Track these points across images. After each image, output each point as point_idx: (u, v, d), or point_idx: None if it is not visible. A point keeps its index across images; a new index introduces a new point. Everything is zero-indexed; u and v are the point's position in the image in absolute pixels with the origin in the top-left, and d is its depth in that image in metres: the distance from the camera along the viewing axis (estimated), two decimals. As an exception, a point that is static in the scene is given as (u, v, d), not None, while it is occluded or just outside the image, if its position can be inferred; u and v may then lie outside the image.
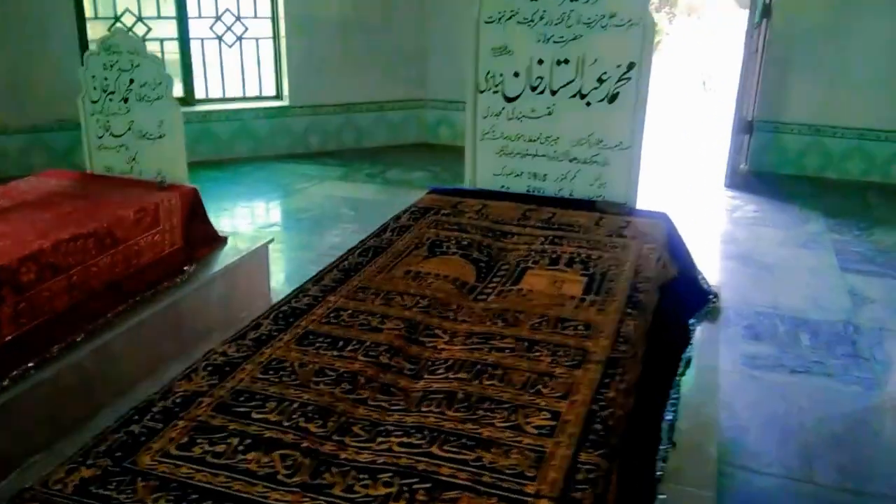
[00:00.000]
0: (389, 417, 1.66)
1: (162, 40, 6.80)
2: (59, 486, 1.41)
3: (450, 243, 2.72)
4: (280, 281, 4.29)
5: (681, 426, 2.33)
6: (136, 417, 1.62)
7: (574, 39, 3.11)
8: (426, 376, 1.84)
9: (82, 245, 2.91)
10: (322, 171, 6.88)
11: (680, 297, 2.86)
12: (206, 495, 1.38)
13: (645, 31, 3.00)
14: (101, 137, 3.75)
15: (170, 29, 6.87)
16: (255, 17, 7.21)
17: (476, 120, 3.38)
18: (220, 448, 1.52)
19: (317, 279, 2.40)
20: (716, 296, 3.19)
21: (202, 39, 7.01)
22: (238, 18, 7.11)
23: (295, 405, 1.68)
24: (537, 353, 1.93)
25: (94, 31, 6.43)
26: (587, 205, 3.18)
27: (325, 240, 5.08)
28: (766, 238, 5.29)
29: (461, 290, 2.36)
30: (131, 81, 3.64)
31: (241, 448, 1.52)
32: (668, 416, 2.30)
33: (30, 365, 2.61)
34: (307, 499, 1.38)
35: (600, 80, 3.11)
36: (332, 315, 2.14)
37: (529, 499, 1.38)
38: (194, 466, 1.46)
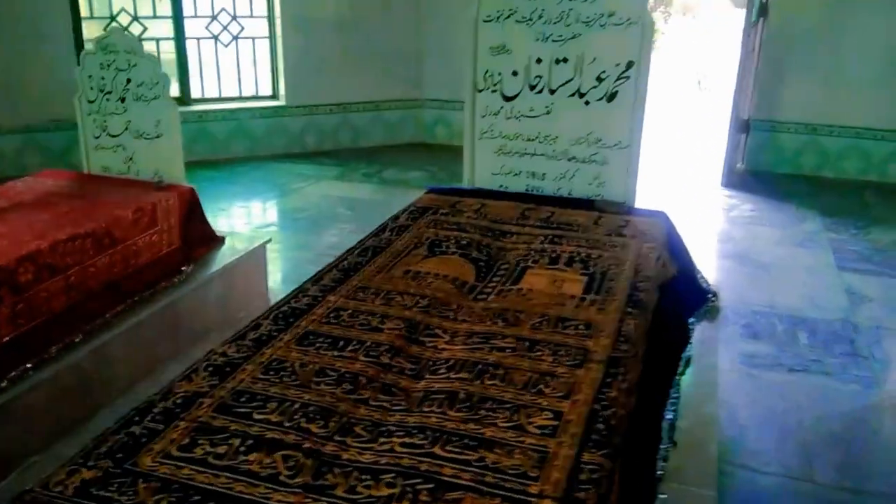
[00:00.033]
0: (391, 418, 1.65)
1: (158, 40, 6.78)
2: (60, 488, 1.40)
3: (449, 243, 2.72)
4: (278, 281, 4.28)
5: (681, 425, 2.32)
6: (137, 418, 1.62)
7: (573, 38, 3.11)
8: (427, 376, 1.83)
9: (80, 245, 2.90)
10: (319, 171, 6.87)
11: (679, 296, 2.86)
12: (208, 497, 1.38)
13: (644, 29, 2.99)
14: (97, 137, 3.74)
15: (166, 28, 6.85)
16: (252, 16, 7.19)
17: (474, 119, 3.38)
18: (221, 449, 1.51)
19: (316, 279, 2.39)
20: (715, 295, 3.18)
21: (198, 39, 6.99)
22: (234, 18, 7.09)
23: (296, 405, 1.67)
24: (538, 353, 1.92)
25: (90, 31, 6.41)
26: (586, 204, 3.18)
27: (322, 240, 5.07)
28: (762, 237, 5.29)
29: (461, 289, 2.35)
30: (128, 81, 3.62)
31: (242, 449, 1.51)
32: (669, 415, 2.30)
33: (28, 366, 2.60)
34: (309, 499, 1.38)
35: (599, 79, 3.11)
36: (331, 315, 2.13)
37: (533, 499, 1.38)
38: (196, 467, 1.46)
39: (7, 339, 2.58)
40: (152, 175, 3.67)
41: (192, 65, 7.00)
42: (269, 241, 3.99)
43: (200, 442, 1.54)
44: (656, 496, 1.92)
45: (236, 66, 7.21)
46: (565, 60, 3.15)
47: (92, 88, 3.69)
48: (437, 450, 1.52)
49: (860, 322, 3.93)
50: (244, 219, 5.64)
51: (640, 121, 3.10)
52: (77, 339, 2.81)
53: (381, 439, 1.56)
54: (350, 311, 2.15)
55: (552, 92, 3.21)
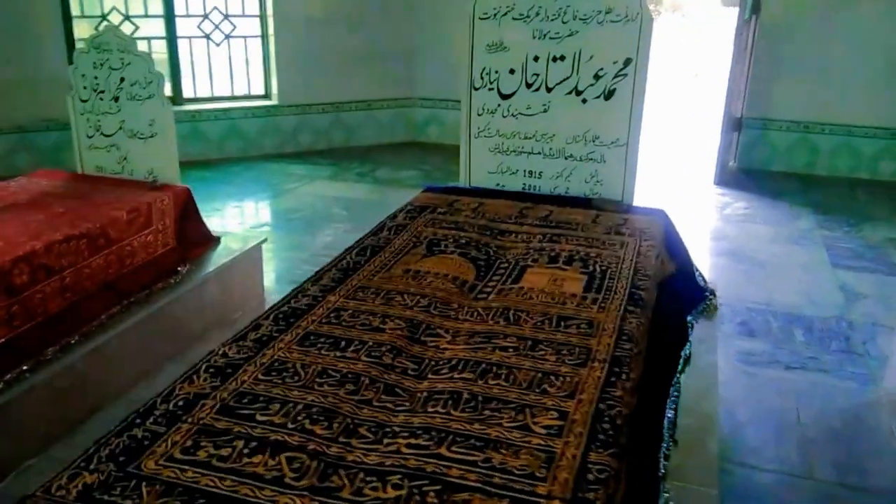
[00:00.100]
0: (395, 418, 1.64)
1: (149, 39, 6.74)
2: (62, 493, 1.38)
3: (448, 242, 2.71)
4: (273, 281, 4.27)
5: (682, 423, 2.32)
6: (139, 421, 1.60)
7: (570, 35, 3.10)
8: (430, 376, 1.82)
9: (75, 246, 2.88)
10: (312, 171, 6.85)
11: (678, 294, 2.85)
12: (213, 500, 1.36)
13: (642, 26, 2.99)
14: (91, 137, 3.71)
15: (157, 27, 6.82)
16: (244, 15, 7.17)
17: (471, 117, 3.36)
18: (225, 451, 1.50)
19: (315, 279, 2.38)
20: (713, 292, 3.18)
21: (190, 38, 6.96)
22: (226, 17, 7.06)
23: (299, 407, 1.66)
24: (541, 352, 1.92)
25: (81, 30, 6.37)
26: (584, 202, 3.17)
27: (317, 239, 5.05)
28: (756, 235, 5.31)
29: (461, 288, 2.34)
30: (122, 80, 3.60)
31: (246, 451, 1.50)
32: (669, 414, 2.29)
33: (24, 368, 2.57)
34: (316, 502, 1.36)
35: (596, 77, 3.10)
36: (332, 315, 2.12)
37: (541, 500, 1.37)
38: (200, 470, 1.44)
39: (2, 340, 2.56)
40: (146, 175, 3.64)
41: (184, 64, 6.98)
42: (265, 240, 3.97)
43: (203, 444, 1.52)
44: (660, 495, 1.92)
45: (228, 65, 7.18)
46: (562, 58, 3.14)
47: (85, 88, 3.66)
48: (442, 450, 1.50)
49: (855, 319, 3.94)
50: (238, 219, 5.61)
51: (638, 118, 3.10)
52: (73, 341, 2.79)
53: (386, 440, 1.55)
54: (350, 311, 2.14)
55: (549, 90, 3.20)
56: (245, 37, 7.21)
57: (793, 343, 3.66)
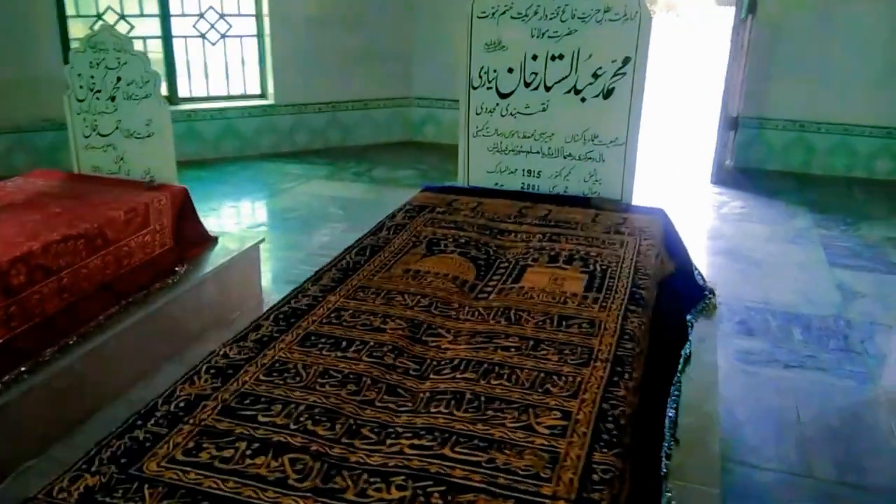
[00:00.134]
0: (398, 419, 1.63)
1: (145, 38, 6.71)
2: (64, 495, 1.37)
3: (447, 241, 2.70)
4: (270, 281, 4.25)
5: (682, 423, 2.32)
6: (140, 422, 1.59)
7: (569, 34, 3.09)
8: (432, 376, 1.82)
9: (73, 246, 2.86)
10: (308, 170, 6.83)
11: (677, 293, 2.85)
12: (216, 502, 1.35)
13: (640, 25, 2.98)
14: (87, 137, 3.69)
15: (153, 27, 6.79)
16: (239, 14, 7.14)
17: (469, 116, 3.36)
18: (227, 453, 1.49)
19: (315, 279, 2.37)
20: (712, 292, 3.18)
21: (185, 37, 6.93)
22: (222, 16, 7.04)
23: (301, 408, 1.65)
24: (543, 352, 1.91)
25: (75, 30, 6.35)
26: (583, 201, 3.17)
27: (314, 239, 5.04)
28: (753, 234, 5.31)
29: (461, 288, 2.34)
30: (118, 79, 3.58)
31: (249, 452, 1.49)
32: (670, 413, 2.29)
33: (22, 369, 2.56)
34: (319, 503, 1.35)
35: (595, 76, 3.10)
36: (332, 315, 2.11)
37: (546, 500, 1.36)
38: (202, 472, 1.43)
39: (0, 342, 2.54)
40: (143, 175, 3.63)
41: (180, 64, 6.95)
42: (263, 240, 3.96)
43: (206, 446, 1.51)
44: (662, 494, 1.91)
45: (224, 64, 7.16)
46: (561, 57, 3.13)
47: (81, 87, 3.64)
48: (446, 451, 1.50)
49: (853, 318, 3.94)
50: (234, 219, 5.59)
51: (637, 117, 3.10)
52: (71, 342, 2.77)
53: (389, 441, 1.54)
54: (351, 312, 2.13)
55: (548, 89, 3.19)
56: (241, 36, 7.18)
57: (791, 342, 3.66)
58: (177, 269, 3.39)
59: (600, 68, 3.09)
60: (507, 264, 2.53)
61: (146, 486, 1.39)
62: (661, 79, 12.87)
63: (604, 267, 2.49)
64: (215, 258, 3.60)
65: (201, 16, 6.95)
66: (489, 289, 2.35)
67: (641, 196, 3.37)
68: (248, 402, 1.67)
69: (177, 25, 6.87)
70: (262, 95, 7.36)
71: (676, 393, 2.40)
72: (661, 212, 3.09)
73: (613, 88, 3.09)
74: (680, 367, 2.54)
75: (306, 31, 7.14)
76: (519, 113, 3.27)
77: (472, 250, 2.63)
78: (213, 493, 1.37)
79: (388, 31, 7.46)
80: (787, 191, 6.33)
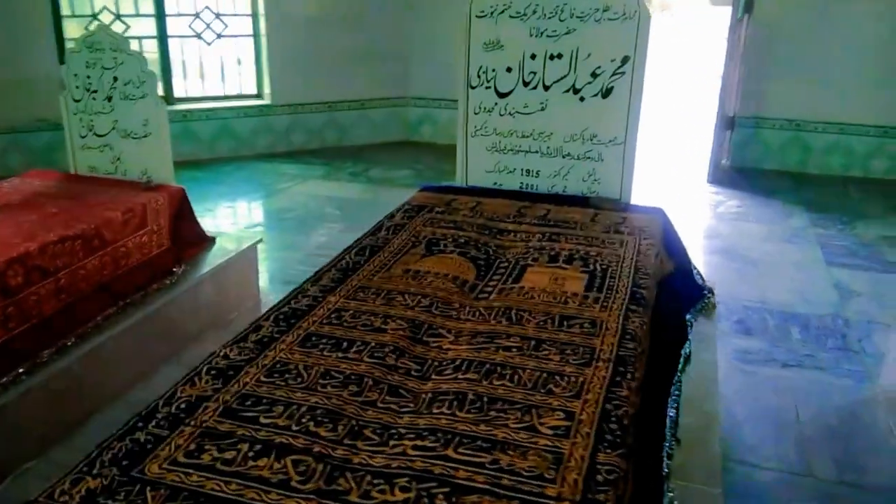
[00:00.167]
0: (400, 420, 1.62)
1: (140, 38, 6.69)
2: (65, 498, 1.36)
3: (447, 241, 2.69)
4: (267, 281, 4.24)
5: (683, 422, 2.31)
6: (141, 424, 1.58)
7: (567, 33, 3.09)
8: (434, 377, 1.81)
9: (70, 247, 2.84)
10: (305, 170, 6.82)
11: (676, 293, 2.85)
12: (219, 504, 1.34)
13: (639, 24, 2.98)
14: (84, 137, 3.68)
15: (148, 27, 6.77)
16: (235, 14, 7.13)
17: (468, 116, 3.35)
18: (229, 455, 1.48)
19: (315, 279, 2.36)
20: (711, 291, 3.18)
21: (181, 37, 6.91)
22: (217, 16, 7.02)
23: (303, 409, 1.64)
24: (545, 352, 1.91)
25: (71, 30, 6.33)
26: (582, 201, 3.16)
27: (311, 239, 5.03)
28: (750, 233, 5.31)
29: (462, 288, 2.33)
30: (115, 79, 3.57)
31: (251, 454, 1.48)
32: (671, 413, 2.28)
33: (20, 370, 2.54)
34: (323, 505, 1.35)
35: (594, 75, 3.09)
36: (333, 316, 2.10)
37: (551, 502, 1.36)
38: (204, 474, 1.42)
39: (-2, 343, 2.53)
40: (140, 175, 3.61)
41: (176, 64, 6.93)
42: (261, 241, 3.94)
43: (207, 448, 1.50)
44: (664, 495, 1.91)
45: (220, 64, 7.14)
46: (560, 56, 3.13)
47: (78, 87, 3.62)
48: (449, 452, 1.49)
49: (850, 317, 3.95)
50: (230, 219, 5.58)
51: (636, 117, 3.09)
52: (69, 343, 2.76)
53: (392, 442, 1.54)
54: (351, 312, 2.12)
55: (546, 88, 3.19)
56: (237, 36, 7.16)
57: (789, 341, 3.66)
58: (174, 269, 3.38)
59: (599, 67, 3.08)
60: (506, 264, 2.53)
61: (148, 488, 1.38)
62: (657, 78, 12.89)
63: (604, 266, 2.48)
64: (213, 259, 3.59)
65: (197, 16, 6.94)
66: (489, 289, 2.34)
67: (638, 195, 3.36)
68: (249, 403, 1.66)
69: (172, 25, 6.85)
70: (258, 95, 7.35)
71: (677, 392, 2.39)
72: (660, 211, 3.09)
73: (612, 88, 3.09)
74: (680, 366, 2.54)
75: (302, 30, 7.13)
76: (517, 112, 3.26)
77: (471, 250, 2.62)
78: (215, 495, 1.36)
79: (385, 31, 7.45)
80: (783, 190, 6.34)
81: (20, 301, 2.62)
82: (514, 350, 1.91)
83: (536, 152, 3.28)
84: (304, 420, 1.60)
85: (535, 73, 3.18)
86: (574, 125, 3.19)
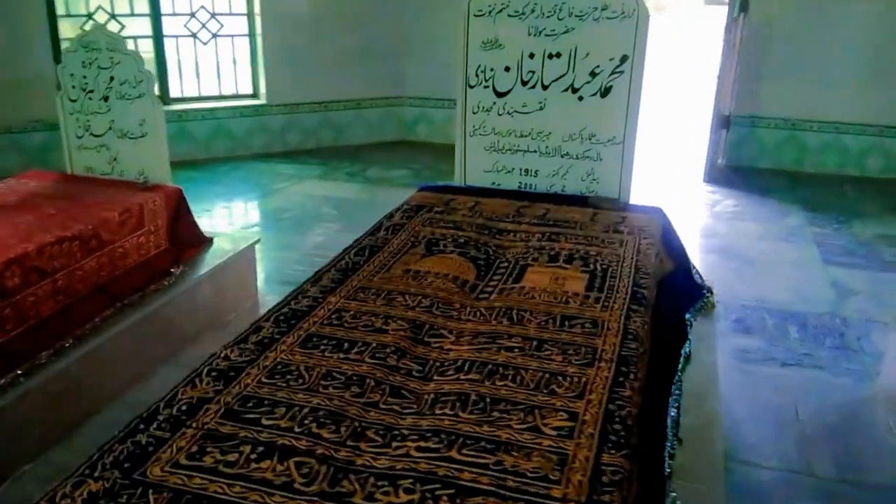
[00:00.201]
0: (403, 421, 1.62)
1: (136, 38, 6.66)
2: (67, 501, 1.35)
3: (446, 241, 2.69)
4: (264, 282, 4.22)
5: (684, 422, 2.31)
6: (142, 426, 1.57)
7: (566, 32, 3.08)
8: (436, 378, 1.80)
9: (67, 248, 2.83)
10: (301, 170, 6.80)
11: (676, 292, 2.85)
12: (222, 507, 1.33)
13: (638, 23, 2.97)
14: (80, 137, 3.66)
15: (143, 26, 6.74)
16: (231, 13, 7.10)
17: (466, 115, 3.34)
18: (232, 457, 1.47)
19: (315, 280, 2.35)
20: (710, 290, 3.18)
21: (177, 37, 6.89)
22: (213, 15, 6.99)
23: (305, 410, 1.63)
24: (547, 352, 1.90)
25: (66, 30, 6.30)
26: (580, 200, 3.16)
27: (308, 239, 5.01)
28: (747, 232, 5.31)
29: (462, 288, 2.32)
30: (111, 79, 3.55)
31: (253, 456, 1.47)
32: (672, 413, 2.28)
33: (18, 372, 2.53)
34: (327, 508, 1.34)
35: (593, 74, 3.09)
36: (333, 316, 2.09)
37: (556, 503, 1.35)
38: (207, 477, 1.41)
39: (-4, 345, 2.52)
40: (137, 175, 3.59)
41: (171, 63, 6.90)
42: (258, 241, 3.93)
43: (209, 450, 1.49)
44: (667, 495, 1.90)
45: (216, 64, 7.12)
46: (558, 55, 3.12)
47: (74, 87, 3.61)
48: (453, 453, 1.48)
49: (848, 315, 3.95)
50: (227, 219, 5.56)
51: (635, 116, 3.09)
52: (67, 345, 2.74)
53: (395, 444, 1.53)
54: (352, 313, 2.11)
55: (545, 87, 3.18)
56: (232, 35, 7.14)
57: (788, 340, 3.66)
58: (172, 270, 3.36)
59: (598, 66, 3.08)
60: (506, 264, 2.52)
61: (151, 491, 1.37)
62: (653, 78, 12.88)
63: (604, 266, 2.48)
64: (210, 259, 3.57)
65: (192, 15, 6.91)
66: (490, 289, 2.33)
67: (634, 195, 3.36)
68: (251, 405, 1.65)
69: (168, 25, 6.83)
70: (254, 95, 7.32)
71: (677, 392, 2.39)
72: (659, 211, 3.09)
73: (611, 87, 3.08)
74: (680, 366, 2.54)
75: (298, 30, 7.11)
76: (516, 112, 3.26)
77: (471, 250, 2.61)
78: (219, 498, 1.36)
79: (380, 31, 7.43)
80: (779, 189, 6.34)
81: (18, 302, 2.60)
82: (515, 350, 1.91)
83: (535, 152, 3.28)
84: (306, 422, 1.59)
85: (533, 73, 3.18)
86: (573, 124, 3.18)
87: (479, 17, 3.20)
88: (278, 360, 1.85)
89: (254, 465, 1.44)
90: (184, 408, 1.63)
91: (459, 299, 2.24)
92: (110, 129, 3.60)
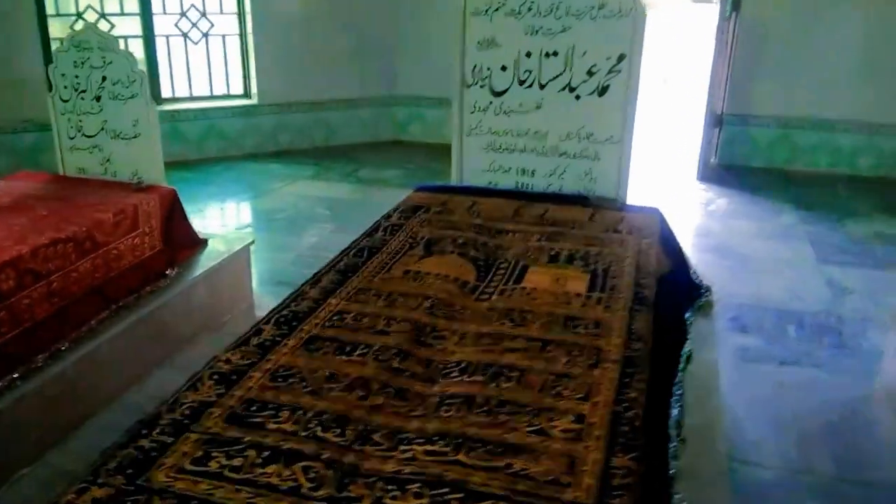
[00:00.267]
0: (409, 424, 1.60)
1: (126, 38, 6.61)
2: (71, 508, 1.33)
3: (445, 242, 2.67)
4: (258, 283, 4.19)
5: (687, 423, 2.29)
6: (145, 431, 1.54)
7: (563, 31, 3.06)
8: (441, 380, 1.79)
9: (61, 250, 2.79)
10: (294, 171, 6.77)
11: (674, 292, 2.83)
12: (229, 513, 1.32)
13: (635, 21, 2.96)
14: (73, 138, 3.62)
15: (133, 26, 6.69)
16: (221, 13, 7.05)
17: (463, 115, 3.32)
18: (237, 462, 1.45)
19: (314, 281, 2.33)
20: (708, 289, 3.17)
21: (167, 36, 6.84)
22: (204, 15, 6.95)
23: (310, 414, 1.61)
24: (551, 354, 1.89)
25: (55, 29, 6.24)
26: (578, 200, 3.15)
27: (302, 240, 4.99)
28: (741, 231, 5.32)
29: (463, 289, 2.31)
30: (103, 79, 3.51)
31: (259, 461, 1.45)
32: (674, 413, 2.27)
33: (15, 375, 2.50)
34: (335, 513, 1.32)
35: (590, 73, 3.08)
36: (335, 318, 2.07)
37: (568, 506, 1.34)
38: (213, 482, 1.39)
39: (-9, 348, 2.49)
40: (131, 176, 3.56)
41: (162, 63, 6.85)
42: (253, 242, 3.90)
43: (214, 455, 1.47)
44: (672, 496, 1.89)
45: (207, 64, 7.07)
46: (555, 54, 3.11)
47: (66, 87, 3.56)
48: (461, 457, 1.47)
49: (845, 314, 3.95)
50: (220, 220, 5.53)
51: (632, 115, 3.08)
52: (63, 347, 2.71)
53: (402, 447, 1.51)
54: (353, 314, 2.10)
55: (542, 86, 3.16)
56: (223, 35, 7.09)
57: (785, 339, 3.66)
58: (167, 272, 3.33)
59: (595, 65, 3.06)
60: (506, 264, 2.51)
61: (156, 497, 1.35)
62: (646, 77, 12.89)
63: (605, 266, 2.47)
64: (205, 260, 3.54)
65: (183, 14, 6.86)
66: (490, 289, 2.32)
67: (630, 194, 3.35)
68: (254, 408, 1.63)
69: (158, 24, 6.77)
70: (246, 95, 7.28)
71: (679, 392, 2.37)
72: (656, 210, 3.08)
73: (608, 86, 3.07)
74: (681, 366, 2.52)
75: (289, 29, 7.07)
76: (513, 111, 3.24)
77: (470, 250, 2.60)
78: (225, 503, 1.33)
79: (372, 30, 7.40)
80: (772, 187, 6.36)
81: (12, 305, 2.57)
82: (520, 352, 1.89)
83: (532, 151, 3.26)
84: (311, 425, 1.57)
85: (530, 72, 3.16)
86: (570, 124, 3.17)
87: (475, 16, 3.18)
88: (280, 363, 1.83)
89: (260, 470, 1.43)
90: (186, 412, 1.61)
91: (460, 300, 2.22)
92: (103, 129, 3.56)
